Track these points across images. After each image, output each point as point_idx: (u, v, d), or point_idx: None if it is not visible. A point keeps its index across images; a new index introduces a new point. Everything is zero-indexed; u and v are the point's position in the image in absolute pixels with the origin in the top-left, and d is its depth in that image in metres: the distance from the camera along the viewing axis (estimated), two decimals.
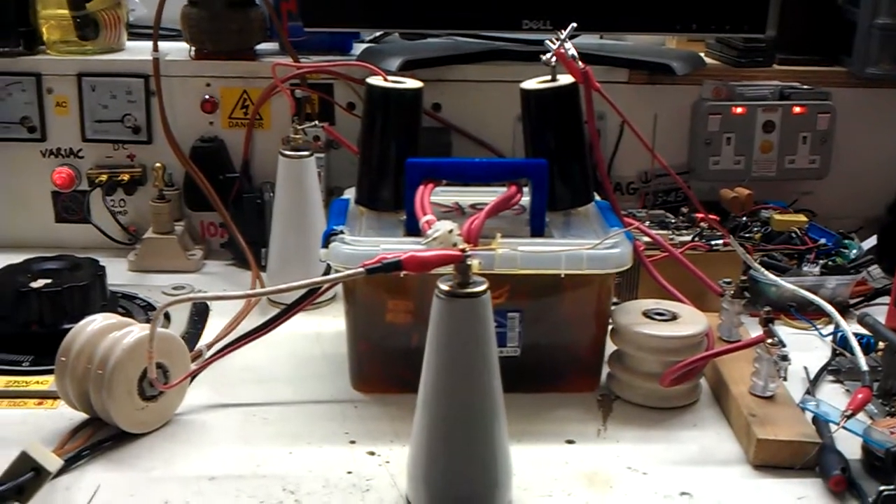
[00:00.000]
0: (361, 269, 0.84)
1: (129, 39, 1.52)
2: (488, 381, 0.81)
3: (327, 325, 1.17)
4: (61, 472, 0.85)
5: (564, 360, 1.04)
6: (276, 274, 1.25)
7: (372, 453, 0.92)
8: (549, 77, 1.10)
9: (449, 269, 0.81)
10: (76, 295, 1.11)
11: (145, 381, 0.93)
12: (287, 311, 1.06)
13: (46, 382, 1.01)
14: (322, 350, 1.12)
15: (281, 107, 1.38)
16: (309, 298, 1.07)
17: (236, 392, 1.03)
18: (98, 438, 0.92)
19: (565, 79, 1.10)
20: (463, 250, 0.80)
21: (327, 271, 1.01)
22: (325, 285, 1.09)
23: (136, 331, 0.93)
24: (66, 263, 1.16)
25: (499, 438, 0.83)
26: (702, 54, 1.54)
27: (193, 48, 1.45)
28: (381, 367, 1.04)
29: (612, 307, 1.05)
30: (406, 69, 1.35)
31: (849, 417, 0.90)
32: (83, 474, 0.88)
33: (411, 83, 1.11)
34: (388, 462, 0.91)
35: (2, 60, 1.41)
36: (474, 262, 0.80)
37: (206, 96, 1.42)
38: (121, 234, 1.43)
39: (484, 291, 0.80)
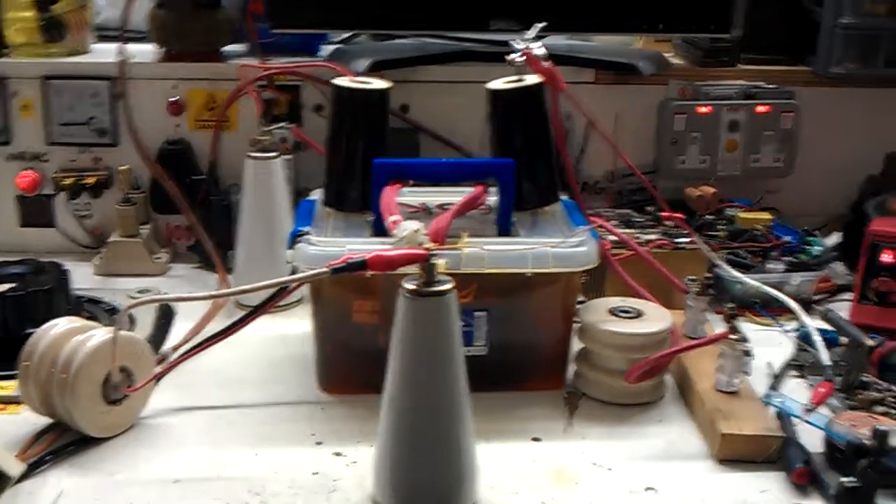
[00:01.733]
0: (326, 269, 0.84)
1: (95, 42, 1.52)
2: (453, 379, 0.81)
3: (294, 327, 1.16)
4: (24, 477, 0.85)
5: (531, 359, 1.05)
6: (243, 276, 1.24)
7: (338, 454, 0.92)
8: (515, 77, 1.11)
9: (415, 268, 0.81)
10: (40, 299, 1.10)
11: (109, 385, 0.93)
12: (253, 313, 1.06)
13: (9, 388, 0.99)
14: (289, 352, 1.12)
15: (248, 109, 1.38)
16: (275, 299, 1.06)
17: (202, 395, 1.02)
18: (62, 443, 0.91)
19: (532, 79, 1.10)
20: (428, 249, 0.81)
21: (294, 273, 1.01)
22: (292, 286, 1.09)
23: (100, 334, 0.93)
24: (30, 268, 1.15)
25: (464, 437, 0.83)
26: (668, 54, 1.55)
27: (160, 50, 1.44)
28: (347, 368, 1.04)
29: (579, 305, 1.06)
30: (374, 70, 1.35)
31: (811, 411, 0.91)
32: (46, 479, 0.87)
33: (378, 83, 1.12)
34: (354, 462, 0.91)
35: None
36: (439, 262, 0.81)
37: (173, 98, 1.41)
38: (86, 238, 1.42)
39: (449, 290, 0.80)
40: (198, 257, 1.38)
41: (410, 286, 0.80)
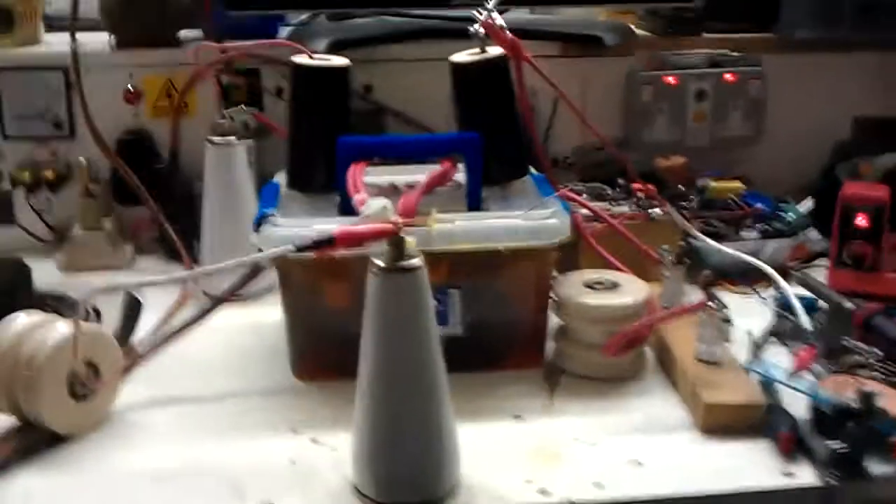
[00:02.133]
0: (291, 246, 0.82)
1: (46, 32, 1.47)
2: (429, 359, 0.79)
3: (265, 315, 1.12)
4: None
5: (508, 337, 1.02)
6: (209, 264, 1.21)
7: (315, 441, 0.90)
8: (478, 49, 1.09)
9: (384, 245, 0.79)
10: (1, 297, 1.06)
11: (75, 380, 0.89)
12: (221, 300, 1.03)
13: None
14: (261, 340, 1.09)
15: (207, 94, 1.35)
16: (243, 285, 1.04)
17: (173, 387, 0.99)
18: (29, 443, 0.88)
19: (494, 50, 1.08)
20: (396, 224, 0.78)
21: None
22: (258, 268, 1.06)
23: (63, 328, 0.90)
24: None
25: (443, 418, 0.81)
26: (632, 25, 1.53)
27: (113, 38, 1.40)
28: (321, 354, 1.01)
29: (554, 280, 1.04)
30: (334, 49, 1.32)
31: (794, 376, 0.90)
32: (14, 481, 0.84)
33: (338, 60, 1.09)
34: (333, 450, 0.88)
35: None
36: (409, 237, 0.78)
37: (129, 87, 1.38)
38: (47, 234, 1.38)
39: (420, 266, 0.78)
40: (164, 249, 1.34)
41: (380, 263, 0.78)
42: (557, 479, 0.83)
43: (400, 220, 0.79)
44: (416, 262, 0.78)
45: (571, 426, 0.92)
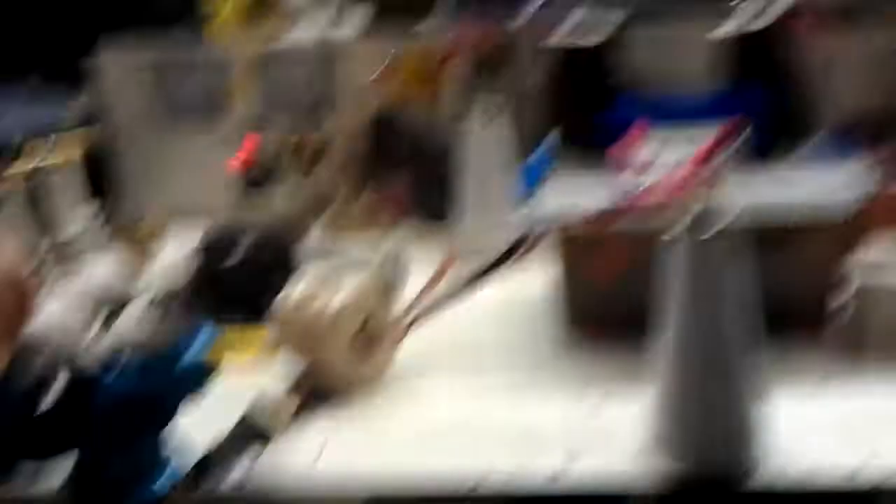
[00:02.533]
0: (574, 217, 0.79)
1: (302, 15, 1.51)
2: (731, 323, 0.75)
3: (534, 280, 1.07)
4: (284, 430, 0.83)
5: (805, 306, 0.95)
6: (468, 234, 1.20)
7: (600, 399, 0.86)
8: (743, 21, 1.04)
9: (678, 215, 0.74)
10: (273, 265, 1.09)
11: (361, 337, 0.90)
12: (490, 268, 1.02)
13: (263, 340, 0.97)
14: (530, 306, 1.05)
15: (459, 72, 1.34)
16: (514, 255, 1.02)
17: (446, 349, 0.98)
18: (317, 396, 0.89)
19: (760, 22, 1.04)
20: (685, 193, 0.74)
21: (529, 230, 0.97)
22: (527, 241, 1.04)
23: (350, 285, 0.90)
24: (260, 235, 1.14)
25: (747, 383, 0.76)
26: None
27: (368, 18, 1.42)
28: (594, 316, 0.97)
29: (853, 250, 0.96)
30: (587, 28, 1.29)
31: None
32: (306, 433, 0.84)
33: (593, 38, 1.08)
34: (620, 407, 0.84)
35: (182, 47, 1.42)
36: (702, 204, 0.74)
37: (383, 66, 1.39)
38: (307, 207, 1.41)
39: (720, 233, 0.74)
40: (419, 218, 1.34)
41: (677, 232, 0.74)
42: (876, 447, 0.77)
43: (689, 189, 0.75)
44: (717, 228, 0.73)
45: (878, 397, 0.85)
